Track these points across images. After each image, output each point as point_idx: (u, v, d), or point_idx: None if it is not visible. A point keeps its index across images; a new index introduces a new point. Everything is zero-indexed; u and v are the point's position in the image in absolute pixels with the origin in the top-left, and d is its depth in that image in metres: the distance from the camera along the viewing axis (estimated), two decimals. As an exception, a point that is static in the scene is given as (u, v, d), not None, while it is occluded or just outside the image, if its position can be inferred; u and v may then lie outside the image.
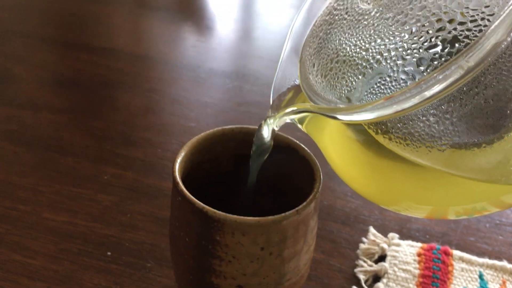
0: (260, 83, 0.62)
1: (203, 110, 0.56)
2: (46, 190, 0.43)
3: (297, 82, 0.26)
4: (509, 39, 0.17)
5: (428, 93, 0.18)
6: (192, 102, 0.57)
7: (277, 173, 0.32)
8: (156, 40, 0.74)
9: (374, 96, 0.22)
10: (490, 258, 0.39)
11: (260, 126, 0.28)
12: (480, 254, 0.40)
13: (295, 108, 0.25)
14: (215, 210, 0.25)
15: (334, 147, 0.26)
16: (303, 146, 0.31)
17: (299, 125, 0.27)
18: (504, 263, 0.38)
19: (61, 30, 0.73)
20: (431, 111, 0.21)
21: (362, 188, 0.27)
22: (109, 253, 0.37)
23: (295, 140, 0.31)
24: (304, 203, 0.27)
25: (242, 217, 0.25)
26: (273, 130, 0.28)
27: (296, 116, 0.26)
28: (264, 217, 0.26)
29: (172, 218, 0.29)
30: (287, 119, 0.27)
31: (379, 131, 0.22)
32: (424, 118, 0.21)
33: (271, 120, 0.27)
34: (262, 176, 0.31)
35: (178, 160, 0.29)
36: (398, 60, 0.21)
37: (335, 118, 0.21)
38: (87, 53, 0.66)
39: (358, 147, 0.25)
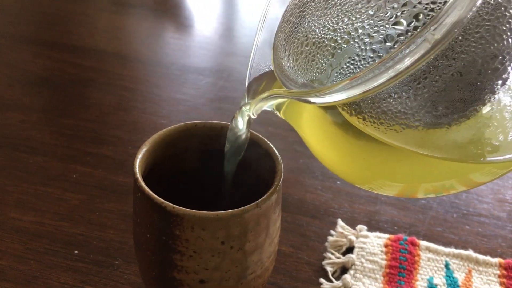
0: (234, 79, 0.62)
1: (175, 107, 0.56)
2: (13, 190, 0.42)
3: (272, 68, 0.26)
4: (474, 8, 0.16)
5: (396, 69, 0.17)
6: (164, 99, 0.57)
7: (240, 167, 0.32)
8: (130, 38, 0.74)
9: (345, 77, 0.22)
10: (456, 247, 0.40)
11: (234, 117, 0.28)
12: (447, 244, 0.40)
13: (267, 94, 0.25)
14: (174, 205, 0.25)
15: (312, 131, 0.26)
16: (265, 139, 0.31)
17: (277, 112, 0.27)
18: (470, 252, 0.39)
19: (32, 28, 0.72)
20: (403, 88, 0.20)
21: (340, 169, 0.27)
22: (76, 252, 0.37)
23: (258, 134, 0.31)
24: (264, 196, 0.27)
25: (201, 211, 0.25)
26: (249, 119, 0.28)
27: (272, 103, 0.26)
28: (224, 211, 0.26)
29: (134, 214, 0.29)
30: (264, 106, 0.26)
31: (353, 112, 0.22)
32: (396, 96, 0.21)
33: (247, 107, 0.27)
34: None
35: (139, 156, 0.29)
36: (365, 38, 0.21)
37: (308, 101, 0.21)
38: (58, 51, 0.65)
39: (334, 129, 0.25)
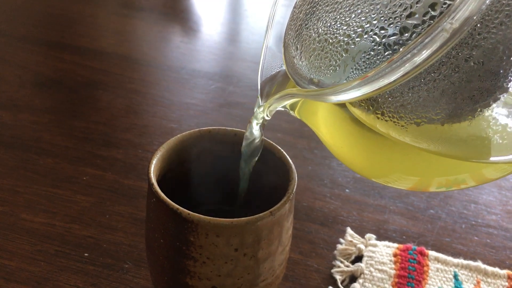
0: (243, 85, 0.62)
1: (185, 112, 0.56)
2: (24, 191, 0.43)
3: (284, 67, 0.26)
4: None
5: (413, 62, 0.17)
6: (174, 103, 0.57)
7: (253, 174, 0.32)
8: (140, 41, 0.74)
9: (360, 72, 0.21)
10: (465, 258, 0.40)
11: (249, 121, 0.27)
12: (456, 254, 0.40)
13: (281, 95, 0.25)
14: (189, 212, 0.26)
15: (328, 128, 0.26)
16: (278, 147, 0.31)
17: (291, 112, 0.26)
18: (479, 264, 0.39)
19: (44, 30, 0.72)
20: (422, 80, 0.20)
21: (356, 164, 0.27)
22: (86, 254, 0.37)
23: (271, 142, 0.31)
24: (278, 204, 0.27)
25: (215, 218, 0.26)
26: (264, 120, 0.27)
27: (286, 103, 0.26)
28: (238, 218, 0.26)
29: (147, 219, 0.29)
30: (278, 106, 0.26)
31: (371, 107, 0.22)
32: (415, 89, 0.20)
33: (261, 109, 0.27)
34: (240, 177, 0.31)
35: (154, 161, 0.29)
36: (380, 31, 0.20)
37: (324, 100, 0.21)
38: (69, 53, 0.66)
39: (351, 126, 0.24)
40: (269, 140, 0.31)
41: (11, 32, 0.70)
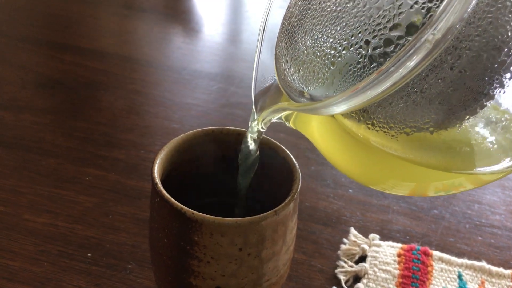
0: (245, 85, 0.62)
1: (187, 112, 0.56)
2: (27, 192, 0.42)
3: (276, 79, 0.26)
4: (474, 2, 0.16)
5: (398, 74, 0.17)
6: (176, 103, 0.57)
7: (257, 174, 0.32)
8: (141, 42, 0.74)
9: (348, 85, 0.21)
10: (469, 258, 0.40)
11: (245, 136, 0.28)
12: (460, 254, 0.40)
13: (273, 109, 0.25)
14: (193, 211, 0.25)
15: (323, 138, 0.26)
16: (282, 147, 0.31)
17: (287, 123, 0.27)
18: (483, 264, 0.39)
19: (45, 31, 0.72)
20: (408, 91, 0.20)
21: (352, 172, 0.27)
22: (89, 255, 0.37)
23: (275, 141, 0.31)
24: (283, 204, 0.27)
25: (220, 217, 0.25)
26: (259, 133, 0.28)
27: (280, 115, 0.26)
28: (242, 217, 0.26)
29: (151, 219, 0.29)
30: (272, 119, 0.26)
31: (361, 118, 0.22)
32: (403, 99, 0.20)
33: (255, 123, 0.27)
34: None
35: (157, 161, 0.29)
36: (364, 44, 0.20)
37: (314, 113, 0.21)
38: (70, 54, 0.66)
39: (344, 135, 0.24)
40: (272, 140, 0.31)
41: (12, 33, 0.70)
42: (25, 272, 0.36)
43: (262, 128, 0.27)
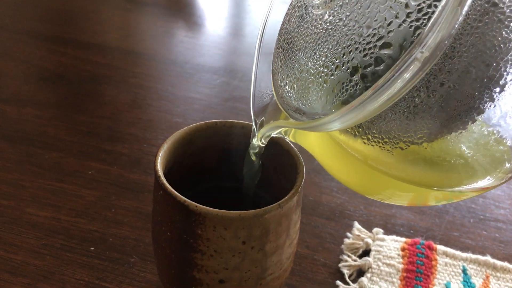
0: (247, 79, 0.62)
1: (190, 106, 0.56)
2: (30, 185, 0.42)
3: (274, 94, 0.26)
4: (460, 19, 0.16)
5: (389, 93, 0.17)
6: (179, 97, 0.57)
7: (262, 167, 0.32)
8: (144, 36, 0.74)
9: (341, 102, 0.22)
10: (473, 253, 0.39)
11: (248, 152, 0.29)
12: (464, 249, 0.40)
13: (271, 126, 0.26)
14: (197, 204, 0.25)
15: (321, 151, 0.27)
16: (287, 140, 0.31)
17: (286, 137, 0.27)
18: (488, 258, 0.39)
19: (48, 25, 0.72)
20: (400, 107, 0.20)
21: (351, 184, 0.27)
22: (92, 248, 0.37)
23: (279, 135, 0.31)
24: (286, 197, 0.27)
25: (223, 210, 0.25)
26: (260, 148, 0.28)
27: (279, 130, 0.26)
28: (246, 210, 0.26)
29: (154, 212, 0.29)
30: (272, 134, 0.27)
31: (357, 133, 0.22)
32: (395, 115, 0.21)
33: (255, 140, 0.28)
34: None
35: (160, 154, 0.29)
36: (355, 62, 0.21)
37: (310, 130, 0.22)
38: (73, 48, 0.65)
39: (341, 150, 0.25)
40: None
41: (15, 27, 0.70)
42: (28, 266, 0.35)
43: (262, 143, 0.28)
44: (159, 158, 0.28)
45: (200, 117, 0.54)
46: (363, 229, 0.40)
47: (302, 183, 0.28)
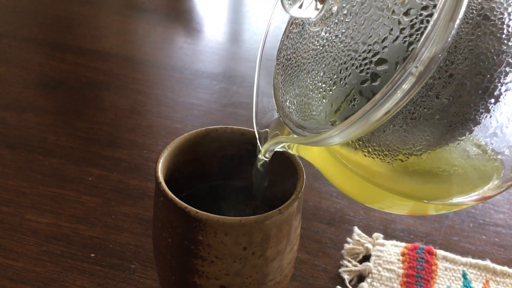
0: (247, 85, 0.62)
1: (189, 112, 0.56)
2: (30, 192, 0.42)
3: (276, 108, 0.27)
4: (453, 32, 0.16)
5: (386, 107, 0.18)
6: (178, 103, 0.57)
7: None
8: (143, 42, 0.74)
9: (341, 117, 0.22)
10: (473, 257, 0.39)
11: (256, 167, 0.29)
12: (464, 253, 0.40)
13: (273, 142, 0.27)
14: (197, 210, 0.25)
15: (324, 164, 0.27)
16: (286, 146, 0.31)
17: (289, 150, 0.28)
18: (487, 262, 0.39)
19: (47, 31, 0.72)
20: (398, 120, 0.21)
21: (353, 195, 0.28)
22: (92, 255, 0.37)
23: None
24: (287, 203, 0.27)
25: (224, 217, 0.25)
26: (265, 162, 0.29)
27: (282, 145, 0.27)
28: (247, 216, 0.26)
29: (155, 218, 0.29)
30: (275, 149, 0.27)
31: (358, 146, 0.23)
32: (394, 128, 0.21)
33: (260, 155, 0.28)
34: (247, 176, 0.31)
35: (161, 160, 0.29)
36: (352, 77, 0.21)
37: (310, 145, 0.22)
38: (73, 54, 0.66)
39: (342, 162, 0.25)
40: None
41: (15, 34, 0.70)
42: (28, 273, 0.35)
43: (266, 157, 0.28)
44: (160, 164, 0.28)
45: (199, 123, 0.54)
46: (363, 234, 0.40)
47: (303, 188, 0.28)
